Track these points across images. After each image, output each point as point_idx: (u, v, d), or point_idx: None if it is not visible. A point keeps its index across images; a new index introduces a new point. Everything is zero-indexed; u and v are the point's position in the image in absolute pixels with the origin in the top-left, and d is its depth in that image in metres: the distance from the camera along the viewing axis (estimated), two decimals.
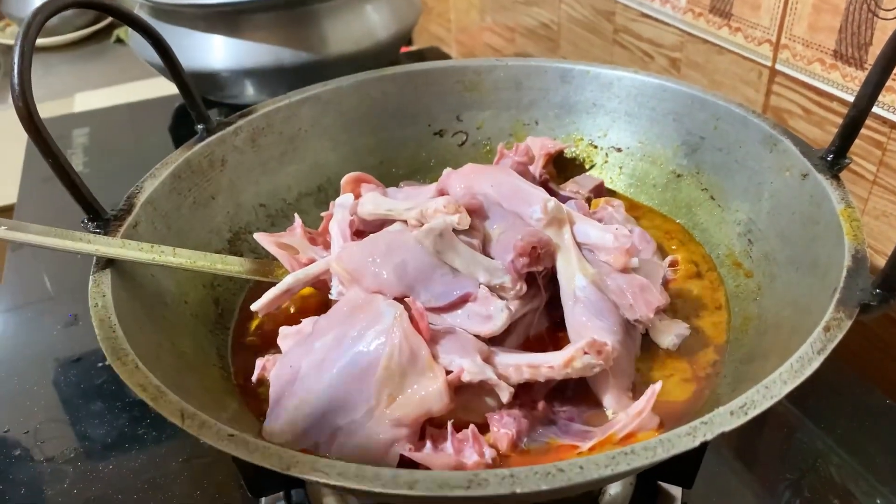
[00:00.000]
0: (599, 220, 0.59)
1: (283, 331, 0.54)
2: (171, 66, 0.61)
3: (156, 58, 0.61)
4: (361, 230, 0.59)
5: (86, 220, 0.52)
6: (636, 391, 0.51)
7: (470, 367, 0.47)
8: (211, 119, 0.64)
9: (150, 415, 0.40)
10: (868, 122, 0.67)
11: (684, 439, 0.36)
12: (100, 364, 0.70)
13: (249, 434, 0.38)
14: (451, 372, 0.47)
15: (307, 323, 0.53)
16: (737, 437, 0.60)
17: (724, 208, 0.62)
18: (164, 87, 1.22)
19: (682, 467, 0.53)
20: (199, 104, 0.63)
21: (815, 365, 0.39)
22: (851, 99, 0.52)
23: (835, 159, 0.53)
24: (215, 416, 0.39)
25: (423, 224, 0.53)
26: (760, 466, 0.58)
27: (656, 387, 0.47)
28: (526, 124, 0.74)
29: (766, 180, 0.58)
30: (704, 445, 0.37)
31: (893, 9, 0.63)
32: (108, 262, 0.50)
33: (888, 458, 0.58)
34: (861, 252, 0.45)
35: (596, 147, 0.73)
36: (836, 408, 0.62)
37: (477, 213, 0.56)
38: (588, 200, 0.67)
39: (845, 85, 0.70)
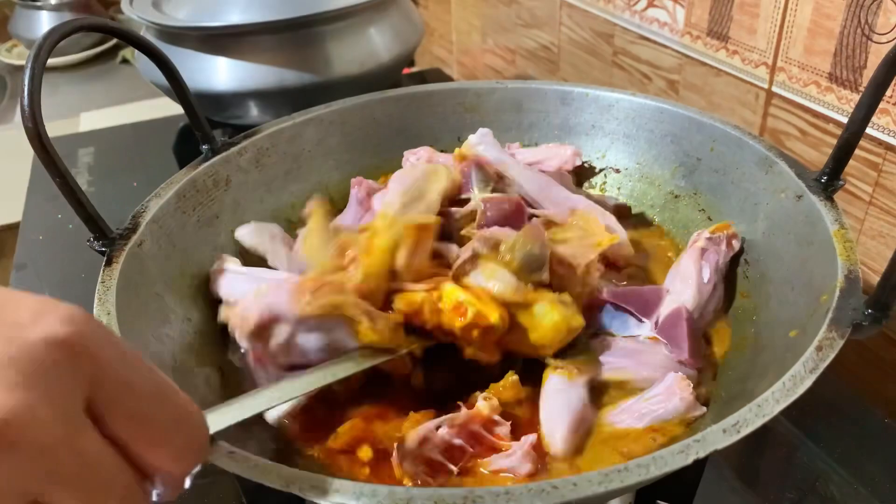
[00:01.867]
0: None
1: None
2: (177, 87, 0.62)
3: (161, 79, 0.62)
4: None
5: (92, 239, 0.53)
6: None
7: None
8: (215, 139, 0.65)
9: None
10: (863, 143, 0.68)
11: (677, 457, 0.37)
12: None
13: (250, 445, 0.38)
14: None
15: None
16: (738, 457, 0.60)
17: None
18: (169, 108, 1.23)
19: (681, 486, 0.54)
20: (204, 125, 0.64)
21: (808, 383, 0.40)
22: (847, 121, 0.53)
23: (829, 181, 0.54)
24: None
25: None
26: (761, 486, 0.58)
27: (530, 438, 0.48)
28: (526, 145, 0.75)
29: (761, 201, 0.59)
30: (698, 463, 0.37)
31: (887, 33, 0.64)
32: (112, 279, 0.51)
33: (888, 476, 0.58)
34: (854, 272, 0.46)
35: (595, 168, 0.74)
36: (836, 427, 0.62)
37: None
38: None
39: (841, 107, 0.70)
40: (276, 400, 0.44)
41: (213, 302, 0.60)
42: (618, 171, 0.72)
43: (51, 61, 1.62)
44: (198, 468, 0.33)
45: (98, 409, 0.28)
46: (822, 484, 0.58)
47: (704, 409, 0.50)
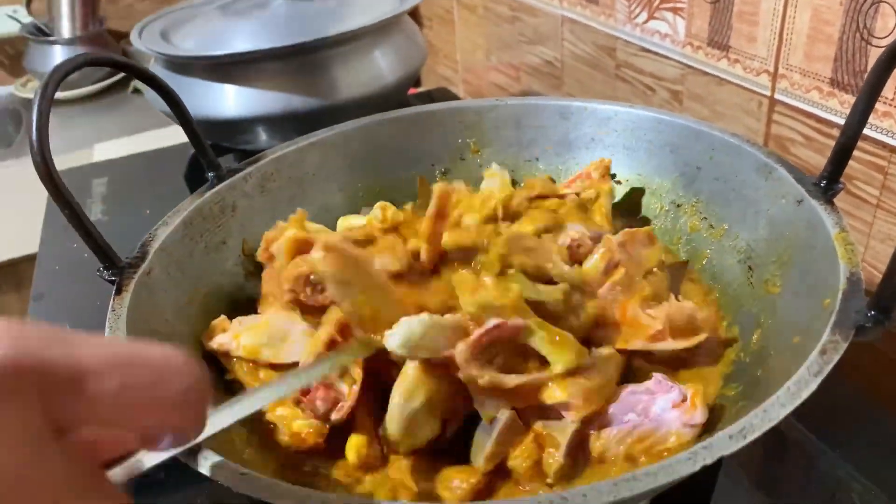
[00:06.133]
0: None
1: None
2: (181, 116, 0.63)
3: (168, 108, 0.63)
4: None
5: (101, 269, 0.54)
6: None
7: None
8: (221, 166, 0.66)
9: (170, 459, 0.41)
10: (868, 147, 0.68)
11: (685, 464, 0.37)
12: None
13: (261, 472, 0.39)
14: None
15: None
16: (756, 466, 0.60)
17: (724, 236, 0.63)
18: (180, 136, 1.24)
19: (694, 496, 0.54)
20: (209, 152, 0.65)
21: (812, 387, 0.40)
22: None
23: (828, 185, 0.54)
24: (229, 456, 0.40)
25: None
26: (780, 495, 0.58)
27: None
28: (527, 160, 0.76)
29: (762, 208, 0.59)
30: (708, 470, 0.37)
31: (886, 36, 0.65)
32: (122, 308, 0.51)
33: None
34: (856, 275, 0.46)
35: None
36: (855, 433, 0.62)
37: None
38: None
39: (843, 112, 0.71)
40: (273, 396, 0.43)
41: None
42: (619, 182, 0.73)
43: (64, 94, 1.66)
44: (208, 409, 0.32)
45: (64, 412, 0.27)
46: (843, 492, 0.57)
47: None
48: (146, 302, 0.54)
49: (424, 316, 0.47)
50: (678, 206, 0.69)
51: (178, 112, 0.63)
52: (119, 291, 0.52)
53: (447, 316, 0.48)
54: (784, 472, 0.59)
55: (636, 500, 0.37)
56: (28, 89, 1.72)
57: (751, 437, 0.38)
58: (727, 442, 0.38)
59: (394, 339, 0.46)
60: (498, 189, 0.65)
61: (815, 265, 0.51)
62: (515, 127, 0.76)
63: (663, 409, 0.50)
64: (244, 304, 0.64)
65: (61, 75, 0.49)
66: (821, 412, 0.60)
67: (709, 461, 0.37)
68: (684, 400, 0.50)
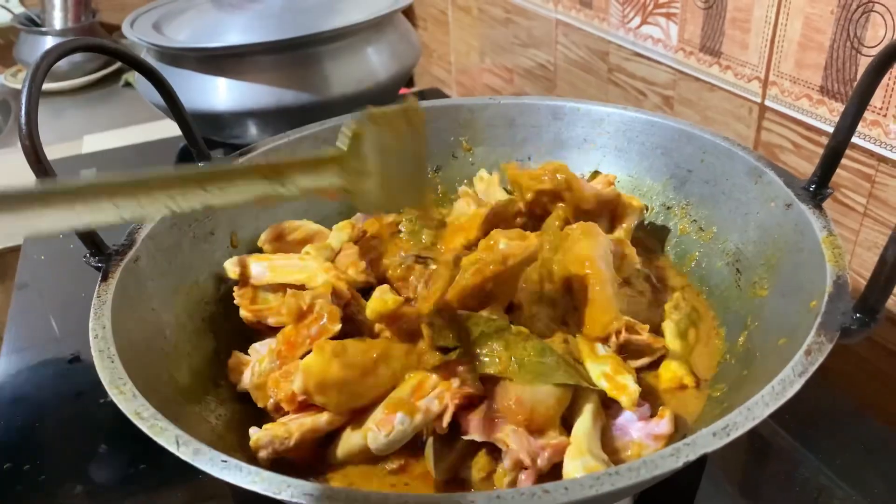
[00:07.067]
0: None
1: None
2: (173, 106, 0.63)
3: (160, 99, 0.63)
4: None
5: (88, 255, 0.54)
6: None
7: None
8: (211, 156, 0.66)
9: (151, 452, 0.40)
10: (856, 155, 0.69)
11: (668, 460, 0.37)
12: (101, 400, 0.71)
13: (243, 460, 0.38)
14: None
15: None
16: (739, 472, 0.60)
17: (713, 239, 0.64)
18: (169, 129, 1.24)
19: (678, 496, 0.54)
20: (200, 142, 0.65)
21: (797, 387, 0.40)
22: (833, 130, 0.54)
23: (817, 189, 0.54)
24: (211, 445, 0.40)
25: None
26: (762, 500, 0.58)
27: None
28: (519, 160, 0.76)
29: (752, 211, 0.60)
30: (691, 470, 0.37)
31: (875, 45, 0.65)
32: (108, 294, 0.51)
33: (890, 489, 0.57)
34: (843, 278, 0.46)
35: None
36: (838, 440, 0.62)
37: None
38: None
39: (832, 119, 0.71)
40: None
41: (208, 318, 0.60)
42: (611, 183, 0.73)
43: (54, 85, 1.65)
44: None
45: None
46: (825, 498, 0.57)
47: None
48: (132, 289, 0.53)
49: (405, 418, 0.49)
50: (668, 208, 0.69)
51: (169, 100, 0.62)
52: (105, 278, 0.52)
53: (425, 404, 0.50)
54: (767, 479, 0.59)
55: (618, 495, 0.37)
56: (18, 79, 1.71)
57: (734, 435, 0.38)
58: (710, 439, 0.38)
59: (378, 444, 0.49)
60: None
61: (803, 268, 0.51)
62: (508, 126, 0.76)
63: (629, 419, 0.50)
64: (229, 296, 0.63)
65: (53, 59, 0.49)
66: (803, 418, 0.60)
67: (692, 457, 0.37)
68: (653, 416, 0.50)
